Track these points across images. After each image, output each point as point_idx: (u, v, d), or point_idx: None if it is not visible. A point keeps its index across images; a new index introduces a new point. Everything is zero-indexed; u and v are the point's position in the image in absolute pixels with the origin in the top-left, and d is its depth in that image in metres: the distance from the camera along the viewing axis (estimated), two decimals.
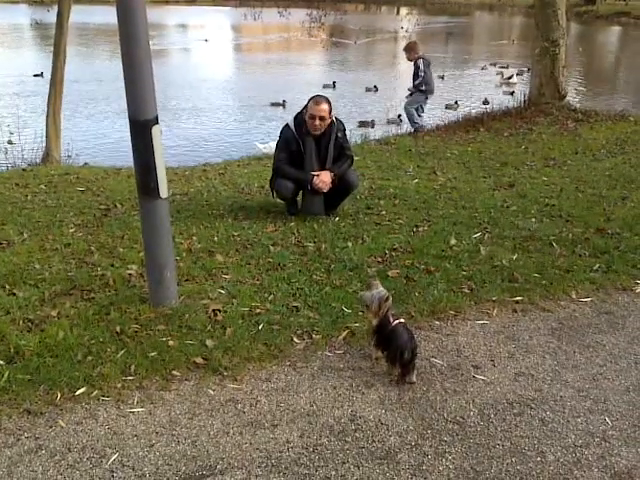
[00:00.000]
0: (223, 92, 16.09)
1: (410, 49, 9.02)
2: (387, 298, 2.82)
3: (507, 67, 19.03)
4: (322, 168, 4.83)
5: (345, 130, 4.98)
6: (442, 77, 16.79)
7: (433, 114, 11.57)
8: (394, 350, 2.75)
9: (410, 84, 9.12)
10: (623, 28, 37.63)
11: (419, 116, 9.03)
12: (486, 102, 12.72)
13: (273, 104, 13.50)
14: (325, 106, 4.67)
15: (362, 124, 11.27)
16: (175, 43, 27.39)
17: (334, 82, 15.80)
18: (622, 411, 2.63)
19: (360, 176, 6.19)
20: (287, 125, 4.85)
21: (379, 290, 2.89)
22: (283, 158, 4.85)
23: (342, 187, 4.93)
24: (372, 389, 2.76)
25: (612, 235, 4.48)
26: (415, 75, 8.87)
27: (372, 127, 11.07)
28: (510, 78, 16.54)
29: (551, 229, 4.61)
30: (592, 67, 21.13)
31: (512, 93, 10.15)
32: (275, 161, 4.95)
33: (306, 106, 4.77)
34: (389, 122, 11.36)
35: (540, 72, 9.12)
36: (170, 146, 9.74)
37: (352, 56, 25.20)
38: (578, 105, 10.04)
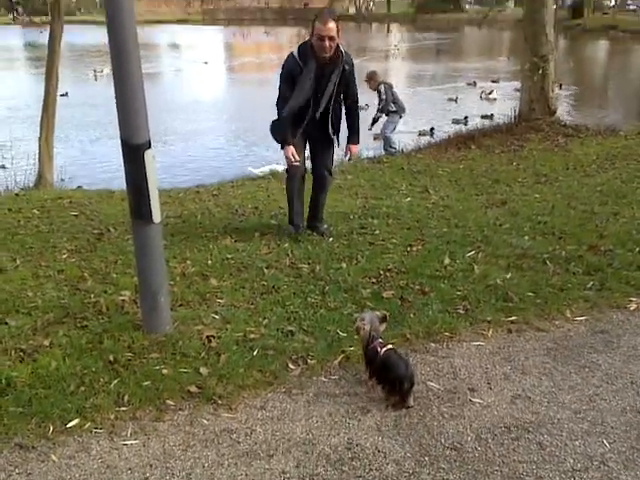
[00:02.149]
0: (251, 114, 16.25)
1: (370, 79, 9.19)
2: (357, 329, 2.91)
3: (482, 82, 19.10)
4: (319, 97, 4.46)
5: (353, 66, 4.56)
6: (455, 100, 16.69)
7: (447, 130, 11.52)
8: (392, 382, 2.74)
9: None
10: (611, 42, 38.09)
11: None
12: (466, 122, 12.84)
13: None
14: (333, 24, 4.20)
15: (376, 137, 11.18)
16: (172, 65, 27.48)
17: None
18: (620, 433, 2.61)
19: (353, 195, 6.23)
20: (291, 54, 4.47)
21: (363, 315, 2.96)
22: (285, 90, 4.51)
23: (316, 183, 4.87)
24: (368, 415, 2.74)
25: (605, 252, 4.48)
26: (379, 101, 9.18)
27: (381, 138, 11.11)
28: (490, 93, 16.64)
29: (544, 247, 4.62)
30: (582, 82, 21.33)
31: (491, 116, 10.54)
32: (278, 97, 4.58)
33: (311, 33, 4.32)
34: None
35: (530, 88, 9.19)
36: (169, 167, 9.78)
37: None
38: (568, 120, 10.12)
